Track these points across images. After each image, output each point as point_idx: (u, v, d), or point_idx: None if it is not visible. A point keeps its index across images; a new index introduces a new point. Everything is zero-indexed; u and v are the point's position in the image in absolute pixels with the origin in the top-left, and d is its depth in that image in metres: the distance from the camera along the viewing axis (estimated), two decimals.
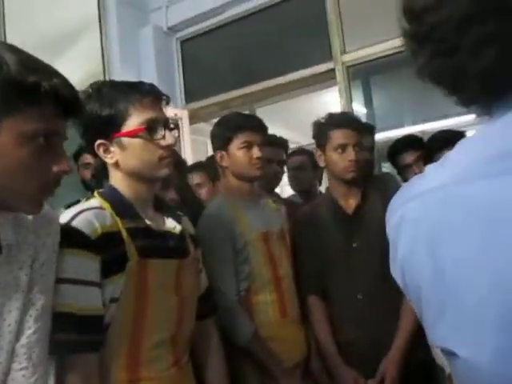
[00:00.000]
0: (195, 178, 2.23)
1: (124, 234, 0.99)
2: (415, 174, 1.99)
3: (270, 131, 2.04)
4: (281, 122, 4.42)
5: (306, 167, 2.32)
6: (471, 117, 3.16)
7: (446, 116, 3.52)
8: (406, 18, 0.52)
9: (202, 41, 3.26)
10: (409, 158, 2.04)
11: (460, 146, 0.51)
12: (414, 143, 2.07)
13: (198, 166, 2.33)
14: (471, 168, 0.46)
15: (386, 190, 2.04)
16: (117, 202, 1.04)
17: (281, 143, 2.05)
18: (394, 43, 2.53)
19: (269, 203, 1.73)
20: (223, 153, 1.61)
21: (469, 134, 1.70)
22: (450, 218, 0.46)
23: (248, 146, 1.56)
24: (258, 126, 1.62)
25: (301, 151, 2.35)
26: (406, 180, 2.11)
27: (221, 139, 1.61)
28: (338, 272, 1.67)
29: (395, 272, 0.55)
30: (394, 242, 0.54)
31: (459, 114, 3.49)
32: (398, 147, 2.11)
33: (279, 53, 2.91)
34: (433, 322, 0.49)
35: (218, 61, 3.21)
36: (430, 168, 0.53)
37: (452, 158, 0.50)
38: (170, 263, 1.06)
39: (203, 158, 2.56)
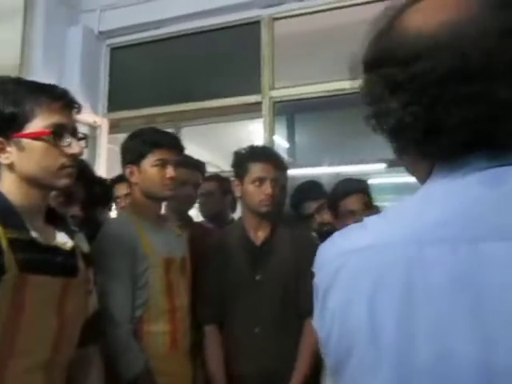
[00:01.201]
0: (120, 190, 2.13)
1: (4, 244, 0.90)
2: (317, 222, 2.03)
3: (193, 153, 2.03)
4: (205, 144, 4.41)
5: (214, 193, 2.31)
6: (382, 166, 3.38)
7: (360, 161, 3.73)
8: (383, 60, 0.51)
9: (133, 52, 3.18)
10: (309, 208, 2.08)
11: (404, 204, 0.51)
12: (316, 193, 2.10)
13: (122, 178, 2.23)
14: (428, 230, 0.44)
15: (295, 226, 2.10)
16: (0, 207, 0.95)
17: (197, 165, 2.02)
18: (321, 87, 2.65)
19: (174, 228, 1.69)
20: (134, 168, 1.54)
21: (374, 181, 1.81)
22: (416, 279, 0.43)
23: (162, 164, 1.52)
24: (175, 145, 1.58)
25: (211, 177, 2.35)
26: (310, 228, 2.10)
27: (134, 153, 1.55)
28: (238, 303, 1.66)
29: (319, 319, 0.51)
30: (326, 289, 0.50)
31: (371, 162, 3.72)
32: (301, 196, 2.14)
33: (210, 77, 2.92)
34: (360, 377, 0.46)
35: (147, 74, 3.15)
36: (371, 221, 0.51)
37: (397, 215, 0.50)
38: (54, 281, 0.98)
39: (120, 170, 2.45)
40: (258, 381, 1.59)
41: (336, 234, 0.54)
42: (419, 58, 0.46)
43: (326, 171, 4.18)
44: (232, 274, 1.69)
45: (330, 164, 4.04)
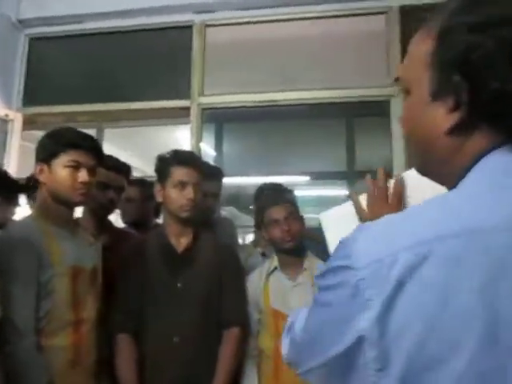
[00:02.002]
0: None
1: None
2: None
3: (115, 155, 1.93)
4: (128, 148, 4.26)
5: (136, 199, 2.24)
6: (305, 178, 3.47)
7: (285, 173, 3.82)
8: (503, 21, 0.49)
9: (54, 44, 2.99)
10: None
11: (469, 189, 0.50)
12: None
13: None
14: None
15: (222, 234, 2.07)
16: None
17: (122, 169, 1.93)
18: (250, 97, 2.67)
19: (86, 236, 1.59)
20: (44, 166, 1.43)
21: (297, 193, 1.84)
22: None
23: (76, 166, 1.42)
24: (93, 148, 1.49)
25: (133, 182, 2.27)
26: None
27: (46, 151, 1.44)
28: (157, 312, 1.61)
29: (379, 322, 0.45)
30: (399, 285, 0.45)
31: (295, 174, 3.83)
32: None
33: (137, 78, 2.83)
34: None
35: (70, 70, 2.98)
36: (426, 209, 0.49)
37: (469, 200, 0.48)
38: None
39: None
40: None
41: (373, 228, 0.51)
42: None
43: (251, 181, 4.23)
44: (151, 281, 1.63)
45: (256, 174, 4.10)
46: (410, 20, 2.45)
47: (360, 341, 0.46)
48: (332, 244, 1.00)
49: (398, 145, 2.53)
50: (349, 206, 0.98)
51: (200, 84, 2.68)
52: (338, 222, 1.02)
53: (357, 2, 2.58)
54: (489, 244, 0.43)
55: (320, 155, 3.81)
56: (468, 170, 0.52)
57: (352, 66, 2.62)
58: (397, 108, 2.56)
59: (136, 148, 4.57)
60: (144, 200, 2.27)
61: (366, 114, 3.35)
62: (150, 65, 2.80)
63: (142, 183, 2.33)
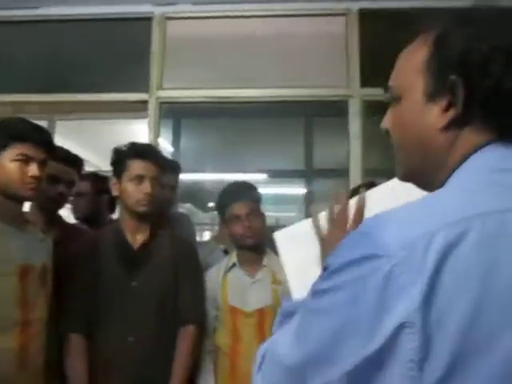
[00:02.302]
0: None
1: None
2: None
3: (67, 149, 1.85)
4: (82, 141, 4.12)
5: (87, 194, 2.17)
6: (263, 176, 3.47)
7: (242, 170, 3.82)
8: None
9: (5, 29, 2.84)
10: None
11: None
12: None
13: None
14: None
15: (179, 230, 2.04)
16: None
17: (74, 162, 1.86)
18: (210, 92, 2.64)
19: (36, 232, 1.52)
20: None
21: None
22: None
23: (25, 160, 1.35)
24: (44, 141, 1.42)
25: (85, 176, 2.20)
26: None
27: None
28: (111, 311, 1.56)
29: (424, 304, 0.43)
30: (440, 263, 0.44)
31: (253, 172, 3.84)
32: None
33: (93, 69, 2.73)
34: None
35: (19, 56, 2.83)
36: (451, 194, 0.51)
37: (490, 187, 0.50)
38: None
39: None
40: None
41: (396, 214, 0.50)
42: None
43: (209, 178, 4.21)
44: (105, 279, 1.58)
45: (214, 171, 4.08)
46: (368, 22, 2.51)
47: (399, 332, 0.44)
48: (288, 266, 0.96)
49: (355, 144, 2.59)
50: (306, 226, 0.93)
51: (159, 77, 2.63)
52: (294, 242, 0.97)
53: (317, 2, 2.61)
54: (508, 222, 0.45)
55: (278, 153, 3.84)
56: (457, 167, 0.56)
57: (311, 66, 2.65)
58: (354, 108, 2.61)
59: (90, 142, 4.42)
60: (96, 194, 2.20)
61: (325, 114, 3.41)
62: (107, 56, 2.72)
63: (95, 177, 2.26)
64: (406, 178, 0.66)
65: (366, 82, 2.57)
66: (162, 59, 2.65)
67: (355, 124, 2.60)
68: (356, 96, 2.60)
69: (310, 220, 0.93)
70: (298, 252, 0.96)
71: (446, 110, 0.56)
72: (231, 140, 3.98)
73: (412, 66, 0.60)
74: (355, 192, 0.95)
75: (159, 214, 1.82)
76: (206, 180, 4.10)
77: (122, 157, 1.63)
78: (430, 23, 0.60)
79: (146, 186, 1.59)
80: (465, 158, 0.56)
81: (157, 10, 2.66)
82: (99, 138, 4.10)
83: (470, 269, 0.43)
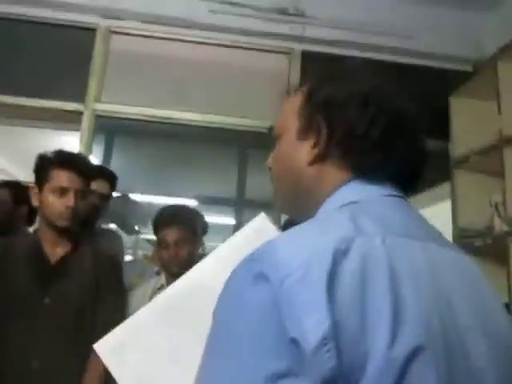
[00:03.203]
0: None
1: None
2: None
3: None
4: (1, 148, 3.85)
5: (3, 203, 2.05)
6: (194, 202, 3.44)
7: (173, 194, 3.75)
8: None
9: None
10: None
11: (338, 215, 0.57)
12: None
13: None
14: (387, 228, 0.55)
15: (106, 245, 1.94)
16: None
17: None
18: (148, 111, 2.61)
19: None
20: None
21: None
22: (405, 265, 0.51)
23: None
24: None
25: (2, 184, 2.07)
26: None
27: None
28: (16, 331, 1.42)
29: (324, 313, 0.45)
30: (330, 279, 0.46)
31: (184, 197, 3.79)
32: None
33: (23, 71, 2.57)
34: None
35: None
36: (324, 222, 0.56)
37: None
38: None
39: None
40: None
41: (287, 238, 0.53)
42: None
43: (138, 199, 4.08)
44: (13, 294, 1.45)
45: (143, 192, 3.97)
46: (310, 63, 2.64)
47: (322, 343, 0.44)
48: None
49: None
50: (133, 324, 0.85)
51: (98, 89, 2.55)
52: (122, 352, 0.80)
53: (264, 38, 2.71)
54: (376, 244, 0.51)
55: (211, 180, 3.83)
56: (324, 201, 0.63)
57: (251, 97, 2.72)
58: None
59: (9, 149, 4.14)
60: (15, 204, 2.07)
61: (260, 146, 3.48)
62: (45, 60, 2.59)
63: (14, 185, 2.13)
64: (282, 210, 0.73)
65: None
66: (102, 71, 2.58)
67: None
68: None
69: (136, 316, 0.86)
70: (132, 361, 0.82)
71: (314, 147, 0.64)
72: (164, 162, 3.91)
73: (290, 110, 0.69)
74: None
75: (83, 225, 1.73)
76: (133, 201, 3.96)
77: (46, 164, 1.54)
78: (309, 77, 0.71)
79: (69, 199, 1.51)
80: (330, 193, 0.63)
81: (103, 23, 2.61)
82: (22, 146, 3.86)
83: (354, 282, 0.47)
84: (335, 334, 0.44)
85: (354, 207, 0.58)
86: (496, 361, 0.54)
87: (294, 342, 0.44)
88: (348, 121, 0.62)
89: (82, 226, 1.67)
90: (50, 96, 2.51)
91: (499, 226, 1.86)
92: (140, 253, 4.50)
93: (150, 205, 3.83)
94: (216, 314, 0.50)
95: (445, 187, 2.57)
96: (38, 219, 1.75)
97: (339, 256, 0.48)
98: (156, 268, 2.04)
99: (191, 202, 3.95)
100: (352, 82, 0.65)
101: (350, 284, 0.47)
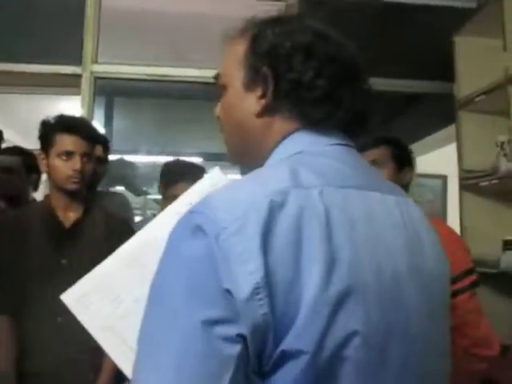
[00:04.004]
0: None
1: None
2: None
3: None
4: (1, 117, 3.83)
5: (16, 170, 2.06)
6: (198, 159, 3.45)
7: (177, 153, 3.75)
8: None
9: None
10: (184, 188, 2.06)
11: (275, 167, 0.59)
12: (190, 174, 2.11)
13: None
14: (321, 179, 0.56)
15: (114, 208, 1.98)
16: None
17: None
18: (146, 69, 2.57)
19: None
20: None
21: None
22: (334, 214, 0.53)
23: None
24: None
25: (9, 150, 2.08)
26: None
27: None
28: (39, 290, 1.49)
29: (261, 262, 0.47)
30: (266, 230, 0.48)
31: (188, 155, 3.79)
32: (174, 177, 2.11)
33: (16, 36, 2.51)
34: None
35: None
36: (264, 173, 0.58)
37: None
38: None
39: None
40: (60, 377, 1.44)
41: (226, 190, 0.54)
42: None
43: (142, 160, 4.09)
44: (33, 258, 1.51)
45: (148, 153, 3.97)
46: (309, 10, 2.55)
47: (254, 293, 0.46)
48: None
49: None
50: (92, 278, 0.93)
51: (94, 50, 2.50)
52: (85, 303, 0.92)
53: None
54: (313, 196, 0.53)
55: (214, 136, 3.80)
56: (272, 150, 0.64)
57: None
58: None
59: (10, 118, 4.12)
60: (26, 171, 2.09)
61: None
62: (36, 24, 2.52)
63: (23, 152, 2.14)
64: (232, 160, 0.73)
65: None
66: (97, 32, 2.52)
67: None
68: None
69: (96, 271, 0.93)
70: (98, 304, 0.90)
71: (261, 98, 0.63)
72: (166, 121, 3.89)
73: (233, 57, 0.67)
74: None
75: (90, 190, 1.75)
76: (139, 162, 3.98)
77: (50, 130, 1.56)
78: (251, 23, 0.69)
79: (76, 162, 1.52)
80: (277, 143, 0.64)
81: None
82: (22, 114, 3.84)
83: (289, 233, 0.49)
84: (268, 283, 0.47)
85: (297, 158, 0.59)
86: (424, 302, 0.58)
87: (228, 292, 0.46)
88: (294, 72, 0.61)
89: (89, 190, 1.70)
90: (46, 61, 2.47)
91: (505, 165, 1.86)
92: (149, 213, 4.57)
93: (155, 165, 3.84)
94: (158, 265, 0.52)
95: (450, 130, 2.56)
96: (46, 185, 1.78)
97: (275, 209, 0.49)
98: None
99: (196, 160, 3.96)
100: (295, 31, 0.63)
101: (286, 235, 0.48)
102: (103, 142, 2.05)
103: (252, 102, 0.64)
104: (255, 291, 0.46)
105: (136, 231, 1.74)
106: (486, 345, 1.15)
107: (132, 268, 0.90)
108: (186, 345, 0.46)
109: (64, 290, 1.48)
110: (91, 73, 2.48)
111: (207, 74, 2.60)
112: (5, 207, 1.95)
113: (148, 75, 2.56)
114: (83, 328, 1.47)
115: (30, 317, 1.48)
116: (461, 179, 2.14)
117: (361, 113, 0.66)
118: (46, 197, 1.69)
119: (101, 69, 2.50)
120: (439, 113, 2.63)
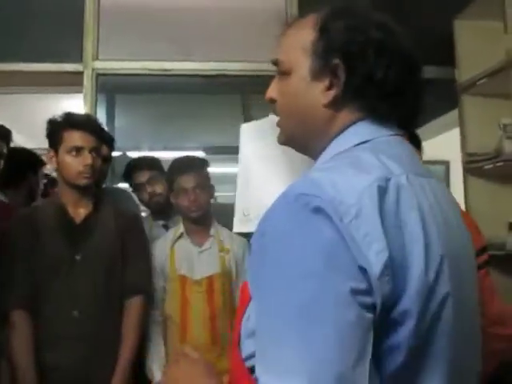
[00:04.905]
0: None
1: None
2: (148, 192, 2.06)
3: None
4: (3, 117, 3.83)
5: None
6: (201, 154, 3.45)
7: (179, 148, 3.76)
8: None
9: None
10: (143, 177, 2.08)
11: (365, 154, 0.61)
12: (147, 163, 2.16)
13: None
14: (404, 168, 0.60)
15: (119, 204, 2.00)
16: None
17: (3, 133, 1.77)
18: (149, 64, 2.57)
19: None
20: None
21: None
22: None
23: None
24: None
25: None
26: (139, 197, 2.13)
27: None
28: (54, 285, 1.52)
29: (385, 236, 0.53)
30: (381, 213, 0.54)
31: (192, 149, 3.80)
32: (133, 166, 2.16)
33: (16, 35, 2.50)
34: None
35: None
36: (365, 161, 0.60)
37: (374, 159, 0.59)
38: None
39: None
40: (76, 371, 1.47)
41: (332, 175, 0.57)
42: None
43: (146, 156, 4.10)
44: (47, 254, 1.54)
45: (150, 149, 3.98)
46: (308, 0, 2.55)
47: (384, 270, 0.52)
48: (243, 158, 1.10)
49: None
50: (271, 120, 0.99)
51: (94, 47, 2.50)
52: (257, 136, 1.09)
53: None
54: (404, 183, 0.57)
55: (216, 130, 3.82)
56: (335, 137, 0.67)
57: (249, 41, 2.65)
58: None
59: (12, 118, 4.12)
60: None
61: (263, 91, 3.43)
62: (33, 21, 2.52)
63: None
64: (286, 142, 0.75)
65: None
66: (97, 28, 2.51)
67: None
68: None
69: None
70: (256, 143, 1.09)
71: (328, 89, 0.66)
72: (168, 117, 3.89)
73: (299, 44, 0.68)
74: None
75: (96, 187, 1.78)
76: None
77: (57, 128, 1.58)
78: (315, 13, 0.69)
79: (86, 158, 1.55)
80: (339, 133, 0.67)
81: None
82: (24, 114, 3.84)
83: (394, 214, 0.55)
84: (391, 260, 0.52)
85: (371, 147, 0.63)
86: (471, 277, 0.66)
87: (362, 269, 0.51)
88: (367, 67, 0.64)
89: (96, 186, 1.72)
90: (47, 59, 2.47)
91: (509, 147, 1.87)
92: None
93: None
94: (275, 242, 0.54)
95: (452, 116, 2.56)
96: (58, 182, 1.79)
97: (382, 193, 0.54)
98: (160, 222, 2.10)
99: (198, 154, 3.97)
100: (366, 26, 0.65)
101: (391, 217, 0.54)
102: (108, 140, 2.07)
103: (319, 92, 0.66)
104: (385, 269, 0.52)
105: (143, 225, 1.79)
106: (501, 323, 1.17)
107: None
108: (340, 313, 0.50)
109: (78, 284, 1.52)
110: (93, 70, 2.48)
111: (208, 67, 2.61)
112: (11, 204, 1.97)
113: (149, 70, 2.56)
114: (97, 322, 1.51)
115: (46, 311, 1.50)
116: (465, 163, 2.15)
117: (417, 106, 0.70)
118: (55, 193, 1.71)
119: (102, 65, 2.50)
120: (441, 98, 2.64)
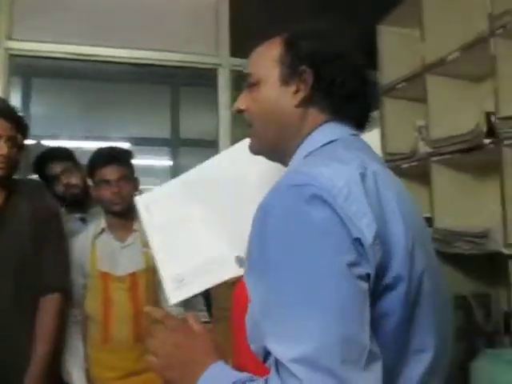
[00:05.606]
0: None
1: None
2: (63, 184, 1.94)
3: None
4: None
5: None
6: (126, 144, 3.32)
7: (103, 138, 3.59)
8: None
9: None
10: (57, 168, 1.98)
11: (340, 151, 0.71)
12: (62, 154, 2.06)
13: None
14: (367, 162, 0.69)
15: (34, 196, 1.87)
16: None
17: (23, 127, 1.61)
18: (69, 48, 2.42)
19: None
20: None
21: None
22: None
23: None
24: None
25: None
26: (53, 189, 1.99)
27: None
28: None
29: (367, 215, 0.61)
30: (366, 193, 0.63)
31: (115, 140, 3.64)
32: (46, 157, 2.04)
33: None
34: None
35: None
36: (343, 156, 0.69)
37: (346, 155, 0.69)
38: None
39: None
40: None
41: (320, 166, 0.65)
42: None
43: (65, 146, 3.86)
44: None
45: (70, 138, 3.75)
46: None
47: (375, 239, 0.61)
48: (149, 229, 1.06)
49: (224, 115, 2.64)
50: (172, 186, 1.05)
51: (8, 25, 2.30)
52: (157, 205, 1.06)
53: None
54: (376, 171, 0.68)
55: (143, 121, 3.70)
56: (306, 138, 0.77)
57: (180, 30, 2.60)
58: (223, 78, 2.65)
59: None
60: None
61: (193, 84, 3.38)
62: None
63: None
64: (259, 149, 0.83)
65: (235, 51, 2.62)
66: (10, 4, 2.32)
67: (224, 94, 2.64)
68: (225, 65, 2.64)
69: (177, 180, 1.03)
70: (162, 214, 1.05)
71: (296, 92, 0.76)
72: (91, 104, 3.70)
73: (269, 57, 0.79)
74: None
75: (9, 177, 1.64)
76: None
77: None
78: (282, 31, 0.82)
79: (2, 147, 1.44)
80: (310, 132, 0.77)
81: None
82: None
83: (374, 194, 0.64)
84: (378, 231, 0.61)
85: (342, 144, 0.73)
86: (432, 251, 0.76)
87: (357, 240, 0.59)
88: (332, 73, 0.75)
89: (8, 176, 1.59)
90: None
91: (423, 148, 2.00)
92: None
93: (77, 151, 3.65)
94: (276, 231, 0.61)
95: (374, 116, 2.69)
96: None
97: (363, 178, 0.64)
98: (77, 215, 2.00)
99: (123, 145, 3.81)
100: (329, 41, 0.78)
101: (373, 196, 0.64)
102: (22, 126, 1.92)
103: (289, 95, 0.77)
104: (375, 238, 0.60)
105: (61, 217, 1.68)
106: None
107: (194, 191, 1.05)
108: (340, 284, 0.57)
109: None
110: (5, 49, 2.29)
111: (134, 54, 2.51)
112: None
113: (69, 54, 2.42)
114: (8, 319, 1.40)
115: None
116: (384, 162, 2.27)
117: (369, 108, 0.82)
118: None
119: (16, 45, 2.32)
120: None
